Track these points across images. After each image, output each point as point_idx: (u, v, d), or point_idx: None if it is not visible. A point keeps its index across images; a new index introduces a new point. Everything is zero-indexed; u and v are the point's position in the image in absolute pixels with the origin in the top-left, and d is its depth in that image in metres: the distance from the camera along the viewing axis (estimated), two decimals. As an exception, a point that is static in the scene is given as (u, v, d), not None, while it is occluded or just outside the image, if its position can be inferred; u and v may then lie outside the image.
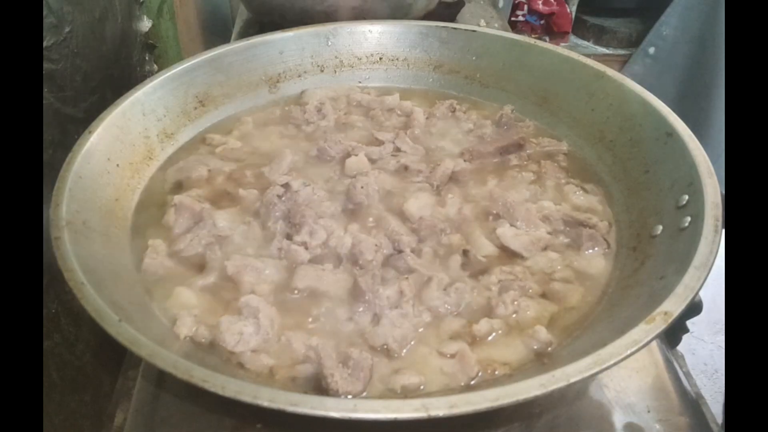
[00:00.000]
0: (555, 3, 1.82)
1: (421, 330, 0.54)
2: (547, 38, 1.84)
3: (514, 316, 0.55)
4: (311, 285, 0.57)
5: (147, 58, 1.07)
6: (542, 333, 0.53)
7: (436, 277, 0.57)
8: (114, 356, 0.85)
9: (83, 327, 0.76)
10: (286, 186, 0.68)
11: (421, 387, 0.49)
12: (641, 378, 0.56)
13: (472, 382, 0.50)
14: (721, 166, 0.50)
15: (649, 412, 0.53)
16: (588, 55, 0.80)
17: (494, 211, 0.66)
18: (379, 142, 0.77)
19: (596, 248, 0.62)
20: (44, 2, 0.68)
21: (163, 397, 0.55)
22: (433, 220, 0.64)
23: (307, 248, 0.60)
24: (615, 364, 0.41)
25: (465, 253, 0.61)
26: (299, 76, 0.91)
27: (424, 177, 0.71)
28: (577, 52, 0.81)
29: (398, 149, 0.76)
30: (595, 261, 0.61)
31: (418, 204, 0.67)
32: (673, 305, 0.45)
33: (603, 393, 0.55)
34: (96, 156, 0.64)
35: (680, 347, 1.22)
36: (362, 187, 0.67)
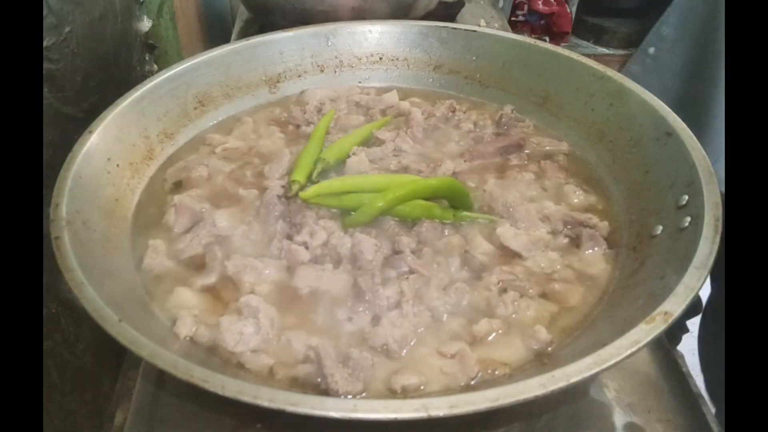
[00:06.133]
0: (555, 3, 1.82)
1: (421, 330, 0.54)
2: (547, 38, 1.84)
3: (514, 316, 0.55)
4: (311, 285, 0.57)
5: (147, 58, 1.07)
6: (542, 333, 0.53)
7: (435, 278, 0.58)
8: (114, 356, 0.85)
9: (83, 327, 0.76)
10: (287, 186, 0.68)
11: (421, 387, 0.49)
12: (641, 378, 0.56)
13: (472, 382, 0.50)
14: (722, 166, 0.51)
15: (649, 412, 0.53)
16: (588, 55, 0.80)
17: (494, 211, 0.67)
18: (380, 142, 0.77)
19: (596, 248, 0.62)
20: (44, 2, 0.68)
21: (163, 397, 0.55)
22: (433, 221, 0.64)
23: (307, 248, 0.60)
24: (615, 364, 0.41)
25: (465, 253, 0.61)
26: (299, 76, 0.91)
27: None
28: (577, 52, 0.81)
29: (399, 149, 0.77)
30: (595, 261, 0.61)
31: (418, 204, 0.67)
32: (673, 305, 0.45)
33: (603, 393, 0.55)
34: (96, 156, 0.64)
35: (680, 347, 1.23)
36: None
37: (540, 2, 1.82)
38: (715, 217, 0.52)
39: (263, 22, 1.16)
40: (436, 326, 0.55)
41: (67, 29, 0.74)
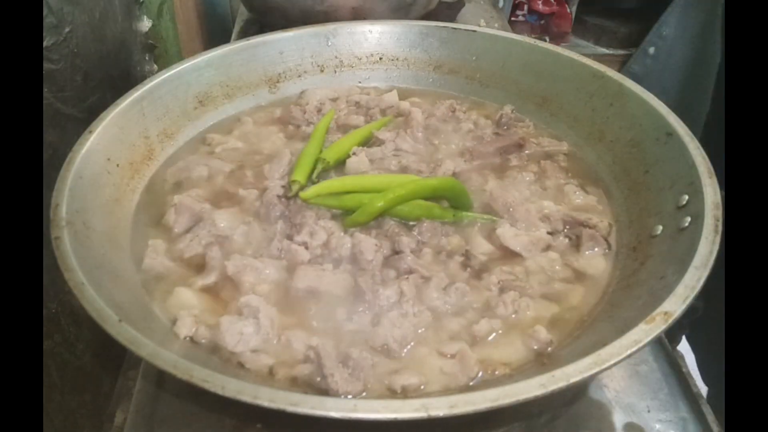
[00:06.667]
0: (555, 3, 1.81)
1: (421, 330, 0.54)
2: (547, 38, 1.84)
3: (514, 316, 0.55)
4: (311, 285, 0.57)
5: (147, 58, 1.07)
6: (542, 333, 0.53)
7: (436, 277, 0.57)
8: (114, 356, 0.85)
9: (83, 327, 0.76)
10: (287, 186, 0.68)
11: (421, 387, 0.49)
12: (641, 378, 0.56)
13: (472, 382, 0.50)
14: (721, 166, 0.51)
15: (649, 412, 0.53)
16: (588, 55, 0.80)
17: (494, 211, 0.66)
18: (380, 142, 0.77)
19: (596, 248, 0.62)
20: (44, 2, 0.68)
21: (163, 397, 0.55)
22: (433, 221, 0.64)
23: (307, 248, 0.60)
24: (615, 364, 0.41)
25: (465, 253, 0.61)
26: (299, 76, 0.91)
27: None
28: (577, 52, 0.81)
29: (399, 149, 0.76)
30: (595, 261, 0.61)
31: (418, 204, 0.67)
32: (673, 305, 0.45)
33: (603, 393, 0.55)
34: (96, 156, 0.64)
35: (680, 347, 1.23)
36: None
37: (540, 2, 1.82)
38: (715, 217, 0.52)
39: (263, 22, 1.16)
40: (436, 326, 0.55)
41: (67, 29, 0.74)
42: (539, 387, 0.40)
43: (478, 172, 0.74)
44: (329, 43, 0.91)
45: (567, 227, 0.65)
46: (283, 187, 0.68)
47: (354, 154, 0.73)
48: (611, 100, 0.74)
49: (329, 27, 0.91)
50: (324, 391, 0.48)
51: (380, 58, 0.92)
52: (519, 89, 0.85)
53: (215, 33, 1.60)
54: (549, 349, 0.52)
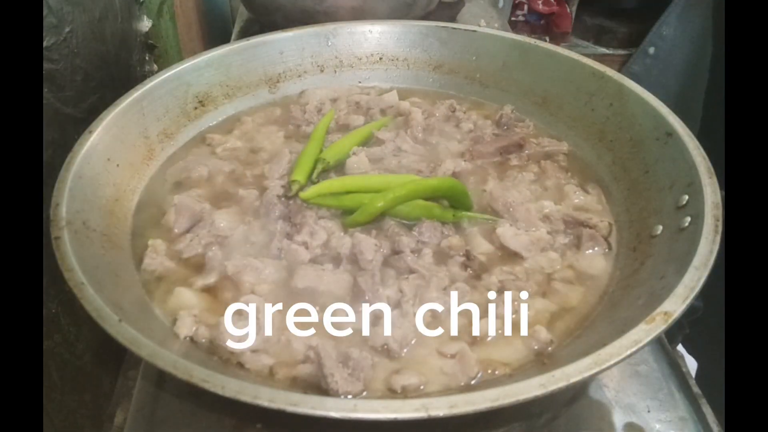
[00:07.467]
0: (555, 3, 1.81)
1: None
2: (547, 38, 1.84)
3: (514, 316, 0.55)
4: (311, 285, 0.57)
5: (147, 58, 1.07)
6: (542, 333, 0.53)
7: (436, 277, 0.57)
8: (114, 356, 0.85)
9: (83, 327, 0.76)
10: (287, 186, 0.68)
11: (421, 387, 0.49)
12: (641, 378, 0.56)
13: (472, 382, 0.50)
14: (721, 166, 0.51)
15: (649, 412, 0.54)
16: (588, 55, 0.80)
17: (494, 211, 0.66)
18: (380, 142, 0.77)
19: (596, 248, 0.62)
20: (44, 2, 0.68)
21: (163, 397, 0.55)
22: (433, 221, 0.64)
23: (307, 248, 0.60)
24: (615, 364, 0.41)
25: (465, 253, 0.61)
26: (299, 76, 0.91)
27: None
28: (577, 52, 0.80)
29: (399, 149, 0.76)
30: (596, 261, 0.61)
31: (418, 204, 0.67)
32: (673, 305, 0.45)
33: (603, 393, 0.55)
34: (96, 156, 0.64)
35: (680, 347, 1.22)
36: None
37: (540, 2, 1.82)
38: (715, 217, 0.52)
39: (263, 22, 1.16)
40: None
41: (67, 29, 0.74)
42: (539, 387, 0.40)
43: (478, 172, 0.74)
44: (329, 43, 0.91)
45: (567, 227, 0.65)
46: (283, 187, 0.68)
47: (354, 154, 0.73)
48: (611, 100, 0.74)
49: (329, 27, 0.91)
50: (324, 391, 0.48)
51: (380, 58, 0.93)
52: (519, 89, 0.85)
53: (215, 33, 1.60)
54: (549, 349, 0.52)
